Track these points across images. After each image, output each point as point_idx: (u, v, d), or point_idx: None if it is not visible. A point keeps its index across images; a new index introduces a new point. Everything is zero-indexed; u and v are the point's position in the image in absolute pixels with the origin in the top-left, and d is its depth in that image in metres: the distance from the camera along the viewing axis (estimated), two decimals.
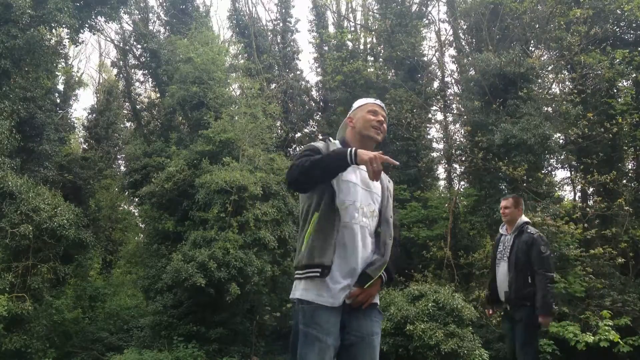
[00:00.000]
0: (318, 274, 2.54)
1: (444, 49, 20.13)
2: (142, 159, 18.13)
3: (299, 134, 21.19)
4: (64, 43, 17.02)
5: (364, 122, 2.84)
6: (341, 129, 3.00)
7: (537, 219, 12.37)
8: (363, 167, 2.62)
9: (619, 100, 14.68)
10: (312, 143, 2.80)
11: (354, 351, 2.57)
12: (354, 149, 2.50)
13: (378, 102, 2.96)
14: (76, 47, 22.20)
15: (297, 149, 19.84)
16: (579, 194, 16.66)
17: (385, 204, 2.80)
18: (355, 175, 2.70)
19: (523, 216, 5.49)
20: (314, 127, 21.68)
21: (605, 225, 13.66)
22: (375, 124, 2.83)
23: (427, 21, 20.46)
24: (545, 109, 14.85)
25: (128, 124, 24.68)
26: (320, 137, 2.96)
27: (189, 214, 14.99)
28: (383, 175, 2.81)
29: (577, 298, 12.33)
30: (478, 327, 12.78)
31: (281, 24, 23.09)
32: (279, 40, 22.99)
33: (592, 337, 11.06)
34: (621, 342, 11.28)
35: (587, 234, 12.89)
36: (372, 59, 21.98)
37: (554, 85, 16.67)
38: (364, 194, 2.71)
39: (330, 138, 2.89)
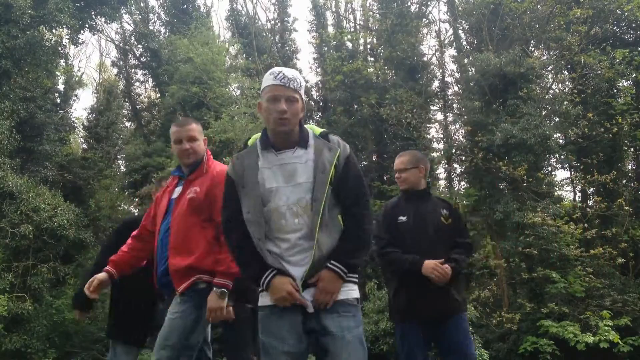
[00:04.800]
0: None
1: (444, 48, 20.14)
2: (142, 159, 18.14)
3: None
4: (64, 43, 17.01)
5: (267, 115, 2.50)
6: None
7: (537, 219, 12.38)
8: (285, 160, 2.48)
9: (619, 100, 14.68)
10: (228, 168, 2.66)
11: (330, 351, 2.40)
12: (271, 280, 2.40)
13: (279, 79, 2.48)
14: (76, 47, 22.18)
15: None
16: (579, 194, 16.68)
17: (317, 188, 2.43)
18: (274, 176, 2.46)
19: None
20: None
21: (605, 225, 13.66)
22: (276, 115, 2.46)
23: (427, 21, 20.47)
24: (546, 108, 14.85)
25: (128, 124, 24.69)
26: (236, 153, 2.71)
27: None
28: (318, 145, 2.54)
29: (577, 298, 12.34)
30: (478, 327, 12.79)
31: (279, 24, 23.10)
32: (277, 40, 23.00)
33: (592, 337, 11.07)
34: (621, 342, 11.29)
35: (587, 234, 12.90)
36: (372, 59, 21.98)
37: (554, 85, 16.68)
38: (289, 193, 2.44)
39: (248, 140, 2.70)
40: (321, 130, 2.65)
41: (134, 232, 3.46)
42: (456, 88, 19.61)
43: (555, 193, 15.08)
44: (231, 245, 2.57)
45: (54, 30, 15.50)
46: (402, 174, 3.93)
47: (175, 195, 3.25)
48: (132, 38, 22.17)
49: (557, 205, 13.40)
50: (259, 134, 2.66)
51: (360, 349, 2.43)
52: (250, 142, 2.68)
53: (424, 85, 18.25)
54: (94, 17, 16.65)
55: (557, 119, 14.89)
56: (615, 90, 15.20)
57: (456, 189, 17.61)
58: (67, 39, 16.79)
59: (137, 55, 22.13)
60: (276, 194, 2.43)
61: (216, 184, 3.08)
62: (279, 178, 2.45)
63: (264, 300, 2.46)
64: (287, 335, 2.41)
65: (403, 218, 3.78)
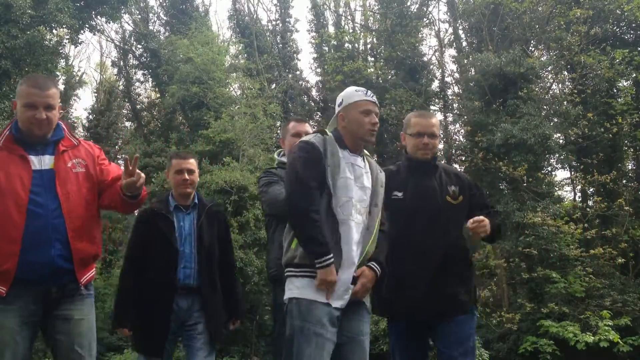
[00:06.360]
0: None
1: (444, 49, 20.15)
2: (142, 159, 18.11)
3: None
4: (64, 43, 17.00)
5: (358, 126, 2.73)
6: (333, 122, 2.86)
7: (537, 219, 12.38)
8: (355, 162, 2.74)
9: (619, 100, 14.69)
10: (309, 140, 2.71)
11: (344, 351, 2.56)
12: (330, 265, 2.48)
13: (370, 96, 2.78)
14: (76, 47, 22.18)
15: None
16: (579, 194, 16.67)
17: (376, 196, 2.76)
18: (349, 172, 2.70)
19: None
20: (314, 127, 21.66)
21: (605, 225, 13.67)
22: (370, 127, 2.74)
23: (427, 21, 20.47)
24: (546, 108, 14.85)
25: (128, 124, 24.70)
26: (314, 130, 2.97)
27: None
28: (375, 165, 2.87)
29: (577, 298, 12.34)
30: (478, 327, 12.79)
31: (280, 25, 23.09)
32: (278, 41, 23.00)
33: (592, 337, 11.07)
34: (621, 342, 11.30)
35: (587, 234, 12.90)
36: (373, 59, 21.99)
37: (554, 85, 16.69)
38: (357, 190, 2.69)
39: (326, 130, 2.85)
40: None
41: None
42: (456, 88, 19.64)
43: (555, 193, 15.07)
44: (309, 209, 2.54)
45: (54, 31, 15.49)
46: (433, 140, 3.16)
47: (44, 166, 2.67)
48: (132, 38, 22.17)
49: (557, 205, 13.39)
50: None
51: (367, 352, 2.66)
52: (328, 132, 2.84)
53: (424, 85, 18.24)
54: (94, 17, 16.65)
55: (557, 119, 14.89)
56: (615, 90, 15.20)
57: None
58: (67, 39, 16.79)
59: (137, 55, 22.13)
60: (351, 186, 2.67)
61: (95, 160, 2.82)
62: (354, 175, 2.72)
63: (306, 292, 2.54)
64: (328, 324, 2.52)
65: (398, 194, 3.11)
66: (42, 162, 2.67)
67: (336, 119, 2.83)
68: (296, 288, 2.57)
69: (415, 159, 3.19)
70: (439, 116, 19.55)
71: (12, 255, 2.54)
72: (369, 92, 2.82)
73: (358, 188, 2.70)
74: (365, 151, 2.89)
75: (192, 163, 3.72)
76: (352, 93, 2.82)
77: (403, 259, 3.00)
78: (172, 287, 3.48)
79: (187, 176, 3.63)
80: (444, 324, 3.08)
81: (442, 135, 18.47)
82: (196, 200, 3.71)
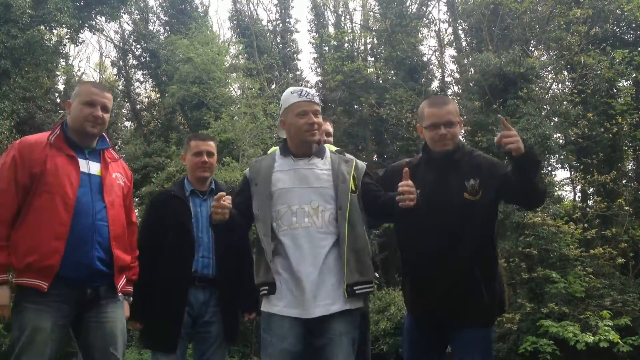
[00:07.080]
0: (266, 291, 2.62)
1: (444, 49, 20.16)
2: (142, 159, 18.13)
3: None
4: (64, 43, 17.02)
5: (296, 130, 2.68)
6: (279, 130, 2.84)
7: (537, 219, 12.37)
8: (299, 165, 2.69)
9: (619, 100, 14.69)
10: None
11: (325, 352, 2.58)
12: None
13: (305, 96, 2.69)
14: (76, 46, 22.20)
15: None
16: (579, 194, 16.67)
17: (340, 197, 2.61)
18: (288, 179, 2.66)
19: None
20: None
21: (605, 225, 13.66)
22: (307, 127, 2.66)
23: (427, 21, 20.49)
24: (546, 108, 14.84)
25: (128, 124, 24.70)
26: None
27: None
28: (337, 158, 2.77)
29: (577, 298, 12.33)
30: None
31: (280, 25, 23.10)
32: (278, 41, 23.01)
33: (592, 337, 11.06)
34: (621, 342, 11.28)
35: (587, 234, 12.89)
36: (373, 59, 22.00)
37: (554, 86, 16.69)
38: (301, 194, 2.62)
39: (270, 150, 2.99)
40: (336, 148, 2.95)
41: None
42: (456, 88, 19.64)
43: (555, 193, 15.06)
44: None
45: (53, 30, 15.50)
46: (451, 129, 2.80)
47: (92, 171, 2.78)
48: (131, 38, 22.19)
49: (557, 205, 13.38)
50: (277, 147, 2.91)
51: (346, 351, 2.60)
52: (269, 152, 2.97)
53: (424, 85, 18.24)
54: (93, 16, 16.66)
55: (557, 119, 14.88)
56: (615, 90, 15.21)
57: None
58: (67, 38, 16.80)
59: (137, 55, 22.15)
60: (290, 194, 2.63)
61: (130, 185, 3.01)
62: (294, 180, 2.66)
63: (267, 307, 2.64)
64: (287, 334, 2.55)
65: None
66: (89, 166, 2.78)
67: (280, 125, 2.79)
68: (262, 303, 2.68)
69: (434, 152, 2.86)
70: None
71: (56, 252, 2.58)
72: (305, 90, 2.74)
73: (304, 191, 2.62)
74: (331, 147, 2.88)
75: (212, 145, 3.55)
76: (288, 96, 2.75)
77: (420, 263, 2.82)
78: (188, 278, 3.24)
79: (205, 158, 3.46)
80: (458, 331, 2.79)
81: None
82: (213, 186, 3.54)
